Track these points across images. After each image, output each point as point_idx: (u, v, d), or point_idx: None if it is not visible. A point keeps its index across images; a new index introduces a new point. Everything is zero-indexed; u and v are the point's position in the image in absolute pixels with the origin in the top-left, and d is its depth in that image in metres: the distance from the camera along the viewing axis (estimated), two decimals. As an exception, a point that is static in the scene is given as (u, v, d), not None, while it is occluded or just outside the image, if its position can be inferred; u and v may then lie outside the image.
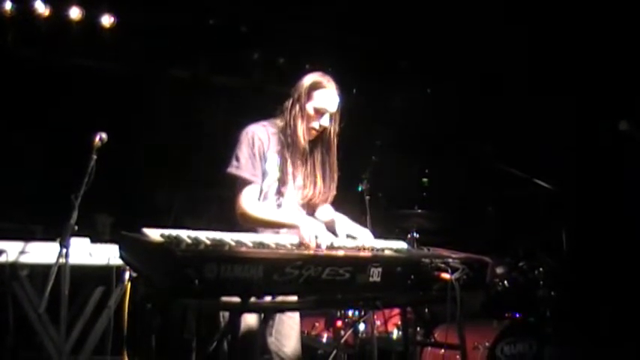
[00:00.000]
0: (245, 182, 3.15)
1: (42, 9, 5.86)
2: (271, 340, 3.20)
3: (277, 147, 3.24)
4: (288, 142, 3.23)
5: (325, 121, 3.24)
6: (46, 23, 5.92)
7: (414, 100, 6.91)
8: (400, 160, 5.97)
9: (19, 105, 5.84)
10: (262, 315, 3.15)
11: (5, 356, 4.18)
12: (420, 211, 5.13)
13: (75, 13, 5.96)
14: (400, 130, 6.42)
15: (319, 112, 3.23)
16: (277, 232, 3.13)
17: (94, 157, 3.70)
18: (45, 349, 3.99)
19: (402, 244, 3.18)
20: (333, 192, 3.49)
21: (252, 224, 3.13)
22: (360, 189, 4.55)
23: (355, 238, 3.19)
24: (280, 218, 3.13)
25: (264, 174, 3.21)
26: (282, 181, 3.23)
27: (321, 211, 3.46)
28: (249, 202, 3.14)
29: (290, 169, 3.24)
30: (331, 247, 2.83)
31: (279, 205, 3.25)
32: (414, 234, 5.07)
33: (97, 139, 3.74)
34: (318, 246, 2.80)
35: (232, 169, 3.17)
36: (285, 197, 3.26)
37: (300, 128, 3.22)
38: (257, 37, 6.62)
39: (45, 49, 6.05)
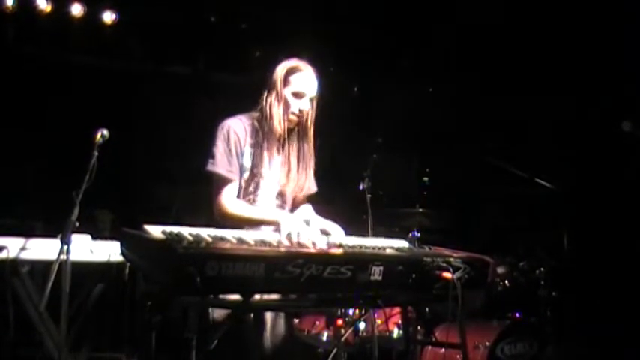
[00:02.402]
0: (222, 180, 3.12)
1: (44, 5, 5.86)
2: (265, 336, 3.17)
3: (253, 138, 3.18)
4: (264, 131, 3.17)
5: (305, 104, 3.18)
6: (47, 19, 5.92)
7: (415, 98, 6.90)
8: (401, 158, 5.97)
9: (20, 101, 5.83)
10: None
11: (5, 352, 4.18)
12: (421, 210, 5.13)
13: (77, 9, 5.97)
14: (401, 129, 6.41)
15: (298, 96, 3.17)
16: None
17: (95, 153, 3.69)
18: (45, 346, 3.99)
19: (403, 243, 3.18)
20: (312, 187, 3.40)
21: (232, 222, 3.07)
22: (361, 188, 4.55)
23: (329, 234, 3.09)
24: (261, 215, 3.08)
25: (241, 168, 3.17)
26: (259, 174, 3.17)
27: (300, 210, 3.38)
28: (228, 200, 3.10)
29: (266, 159, 3.17)
30: (313, 244, 2.78)
31: (255, 197, 3.19)
32: (416, 233, 5.08)
33: (99, 135, 3.74)
34: (298, 243, 2.75)
35: (209, 166, 3.14)
36: (262, 188, 3.20)
37: (277, 115, 3.16)
38: (257, 34, 6.61)
39: (46, 46, 6.05)
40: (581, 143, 5.83)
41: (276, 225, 2.94)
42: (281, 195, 3.29)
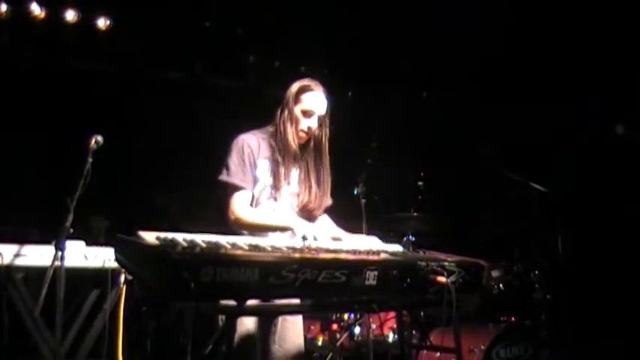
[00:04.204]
0: (236, 188, 3.19)
1: (37, 11, 5.85)
2: (275, 348, 3.21)
3: (268, 152, 3.27)
4: (279, 146, 3.27)
5: (313, 122, 3.28)
6: (41, 25, 5.91)
7: (410, 102, 6.92)
8: (396, 163, 5.98)
9: (15, 107, 5.82)
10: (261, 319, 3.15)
11: (0, 359, 4.17)
12: (415, 214, 5.14)
13: (70, 15, 5.95)
14: (396, 133, 6.43)
15: (307, 114, 3.27)
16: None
17: (90, 159, 3.69)
18: (40, 352, 3.98)
19: (397, 247, 3.18)
20: (329, 200, 3.49)
21: (246, 229, 3.16)
22: (355, 192, 4.56)
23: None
24: (274, 221, 3.16)
25: (255, 180, 3.24)
26: (274, 187, 3.26)
27: (320, 223, 3.46)
28: (241, 207, 3.17)
29: (282, 174, 3.26)
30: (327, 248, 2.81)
31: (272, 211, 3.27)
32: (410, 237, 5.08)
33: (93, 141, 3.73)
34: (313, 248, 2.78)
35: (223, 177, 3.22)
36: (279, 202, 3.28)
37: (290, 132, 3.26)
38: (253, 39, 6.62)
39: (40, 51, 6.04)
40: (575, 146, 5.85)
41: (289, 231, 3.02)
42: (301, 210, 3.36)
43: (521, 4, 5.71)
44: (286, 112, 3.28)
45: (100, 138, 3.75)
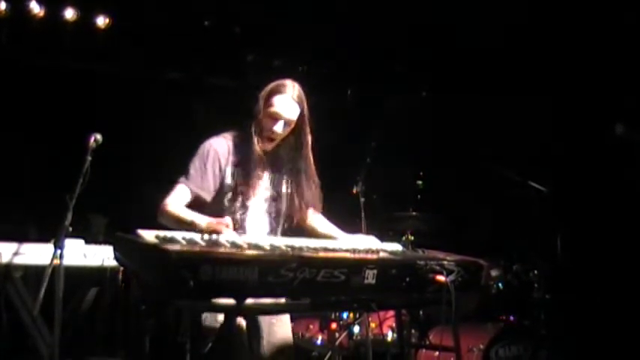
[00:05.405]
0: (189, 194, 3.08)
1: (37, 9, 5.84)
2: (263, 352, 3.16)
3: (238, 158, 3.15)
4: (247, 151, 3.13)
5: (279, 127, 3.14)
6: (40, 24, 5.90)
7: (410, 101, 6.91)
8: (395, 162, 5.97)
9: (13, 105, 5.82)
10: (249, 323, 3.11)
11: (-1, 358, 4.17)
12: (414, 213, 5.14)
13: (70, 13, 5.95)
14: (395, 132, 6.42)
15: (272, 118, 3.13)
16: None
17: (89, 158, 3.68)
18: (38, 351, 3.98)
19: (397, 247, 3.18)
20: (318, 204, 3.38)
21: (164, 219, 3.02)
22: (354, 191, 4.55)
23: None
24: (188, 217, 2.95)
25: (222, 188, 3.13)
26: (245, 194, 3.14)
27: (316, 225, 3.41)
28: (172, 200, 3.05)
29: (251, 180, 3.13)
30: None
31: (243, 216, 3.15)
32: (409, 236, 5.08)
33: (92, 140, 3.72)
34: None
35: (182, 180, 3.11)
36: (250, 210, 3.17)
37: (256, 136, 3.13)
38: (251, 38, 6.62)
39: (39, 50, 6.03)
40: (575, 146, 5.85)
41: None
42: (273, 215, 3.27)
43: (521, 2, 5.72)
44: (255, 114, 3.15)
45: (99, 136, 3.73)
